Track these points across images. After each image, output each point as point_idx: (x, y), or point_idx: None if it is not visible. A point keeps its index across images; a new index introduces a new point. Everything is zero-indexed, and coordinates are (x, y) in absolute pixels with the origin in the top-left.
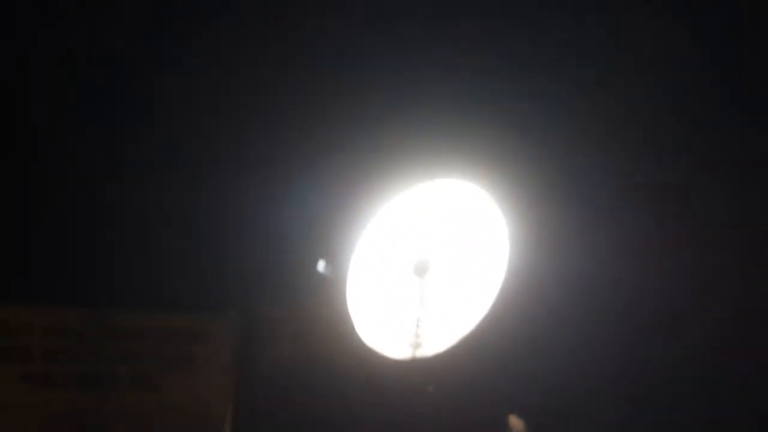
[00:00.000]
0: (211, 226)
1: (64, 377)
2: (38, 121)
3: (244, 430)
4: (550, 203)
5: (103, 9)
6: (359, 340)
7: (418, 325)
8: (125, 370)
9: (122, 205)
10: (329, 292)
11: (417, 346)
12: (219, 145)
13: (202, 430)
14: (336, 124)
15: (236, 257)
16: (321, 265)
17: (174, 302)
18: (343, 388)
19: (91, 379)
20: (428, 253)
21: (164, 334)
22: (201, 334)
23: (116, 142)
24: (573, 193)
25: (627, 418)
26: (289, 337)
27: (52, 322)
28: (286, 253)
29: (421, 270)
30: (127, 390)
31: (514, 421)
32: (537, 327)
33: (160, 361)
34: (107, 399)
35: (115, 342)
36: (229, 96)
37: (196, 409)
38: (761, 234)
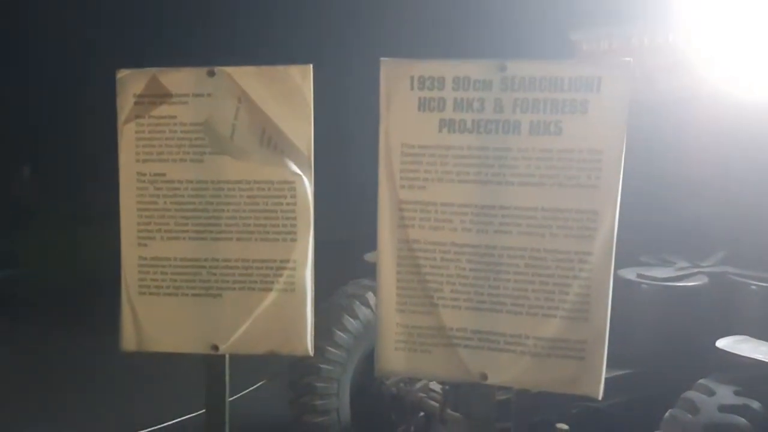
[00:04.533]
0: None
1: (471, 123)
2: None
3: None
4: None
5: None
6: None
7: None
8: (526, 116)
9: None
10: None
11: None
12: None
13: (597, 168)
14: None
15: None
16: None
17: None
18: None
19: (496, 124)
20: None
21: (561, 82)
22: (596, 81)
23: None
24: None
25: None
26: None
27: (462, 74)
28: None
29: None
30: (527, 133)
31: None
32: None
33: (557, 107)
34: (510, 141)
35: (516, 90)
36: None
37: (590, 151)
38: None
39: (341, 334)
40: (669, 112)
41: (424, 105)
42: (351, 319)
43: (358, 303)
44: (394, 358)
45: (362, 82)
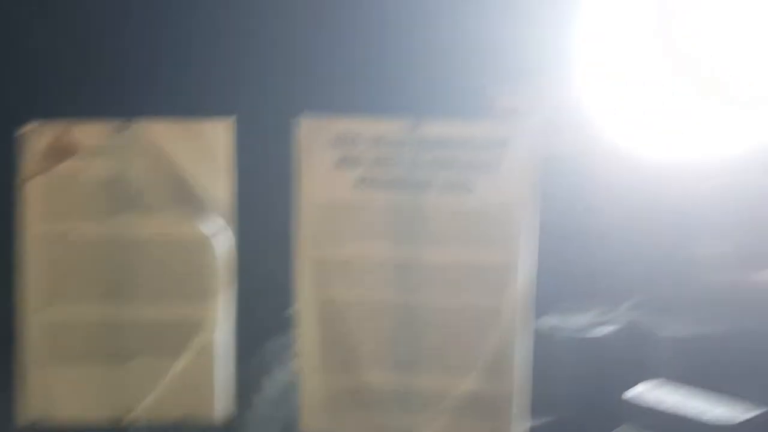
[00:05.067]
0: None
1: (386, 181)
2: None
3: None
4: None
5: None
6: (618, 137)
7: (685, 124)
8: (439, 174)
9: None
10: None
11: (683, 145)
12: None
13: (507, 227)
14: None
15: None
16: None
17: (476, 111)
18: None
19: (410, 182)
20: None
21: (473, 141)
22: (505, 140)
23: None
24: None
25: None
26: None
27: (377, 132)
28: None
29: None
30: (441, 191)
31: None
32: None
33: (470, 166)
34: (424, 199)
35: (430, 149)
36: None
37: (501, 209)
38: None
39: (262, 395)
40: (579, 165)
41: (340, 163)
42: (272, 380)
43: (279, 362)
44: (317, 419)
45: (281, 137)
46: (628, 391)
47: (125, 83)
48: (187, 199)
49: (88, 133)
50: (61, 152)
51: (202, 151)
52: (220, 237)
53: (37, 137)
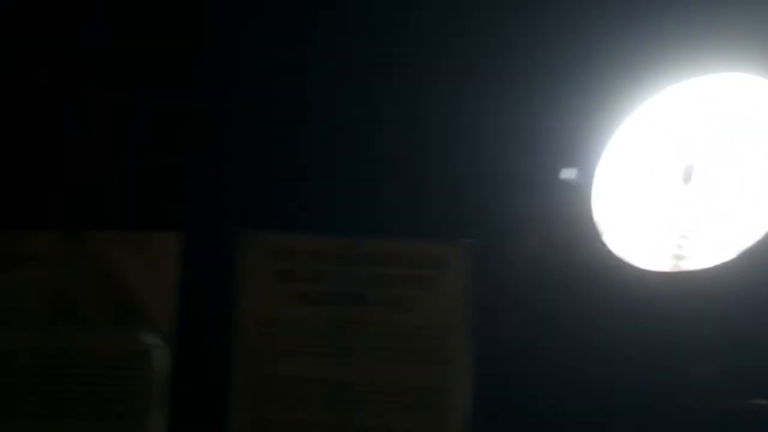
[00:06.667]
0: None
1: (325, 296)
2: None
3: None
4: None
5: None
6: (609, 250)
7: (682, 236)
8: (376, 291)
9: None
10: (576, 199)
11: (680, 258)
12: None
13: (444, 344)
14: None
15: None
16: (567, 172)
17: (418, 231)
18: (590, 299)
19: (348, 298)
20: (698, 157)
21: (410, 259)
22: (443, 259)
23: None
24: None
25: None
26: (534, 242)
27: (317, 248)
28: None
29: (688, 176)
30: (378, 308)
31: None
32: None
33: (407, 284)
34: (361, 315)
35: (368, 266)
36: None
37: (438, 328)
38: None
39: None
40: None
41: (280, 278)
42: None
43: None
44: None
45: (223, 252)
46: None
47: (72, 194)
48: (126, 312)
49: (33, 242)
50: (4, 262)
51: (148, 264)
52: (157, 353)
53: None
